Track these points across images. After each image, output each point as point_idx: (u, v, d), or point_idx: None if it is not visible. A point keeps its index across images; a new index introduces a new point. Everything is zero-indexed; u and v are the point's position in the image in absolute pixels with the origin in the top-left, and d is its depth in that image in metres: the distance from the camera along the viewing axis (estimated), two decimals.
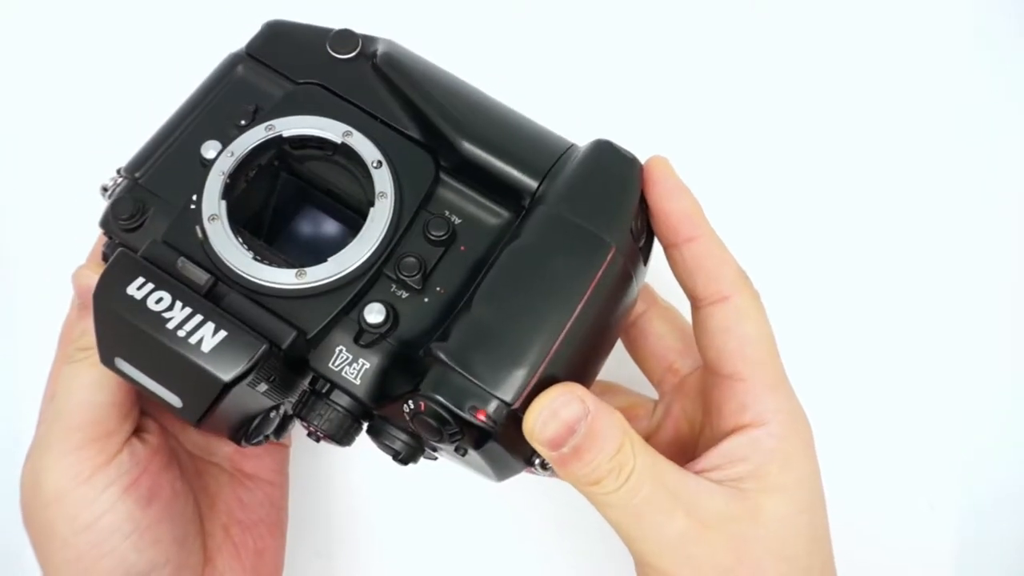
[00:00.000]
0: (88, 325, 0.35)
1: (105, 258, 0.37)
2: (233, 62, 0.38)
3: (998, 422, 0.50)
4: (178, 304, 0.32)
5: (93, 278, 0.34)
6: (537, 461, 0.34)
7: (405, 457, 0.35)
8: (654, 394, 0.41)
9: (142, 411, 0.38)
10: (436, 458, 0.38)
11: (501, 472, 0.35)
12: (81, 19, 0.56)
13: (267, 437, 0.37)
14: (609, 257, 0.33)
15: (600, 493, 0.31)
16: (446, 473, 0.43)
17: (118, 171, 0.37)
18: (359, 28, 0.39)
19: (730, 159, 0.53)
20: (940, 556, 0.49)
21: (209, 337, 0.31)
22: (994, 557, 0.49)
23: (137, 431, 0.37)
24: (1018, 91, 0.54)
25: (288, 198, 0.39)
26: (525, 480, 0.39)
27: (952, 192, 0.53)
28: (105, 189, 0.37)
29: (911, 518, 0.49)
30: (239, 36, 0.39)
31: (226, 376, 0.31)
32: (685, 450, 0.38)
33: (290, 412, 0.37)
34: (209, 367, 0.31)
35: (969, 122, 0.54)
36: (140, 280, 0.32)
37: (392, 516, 0.49)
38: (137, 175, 0.36)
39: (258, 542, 0.41)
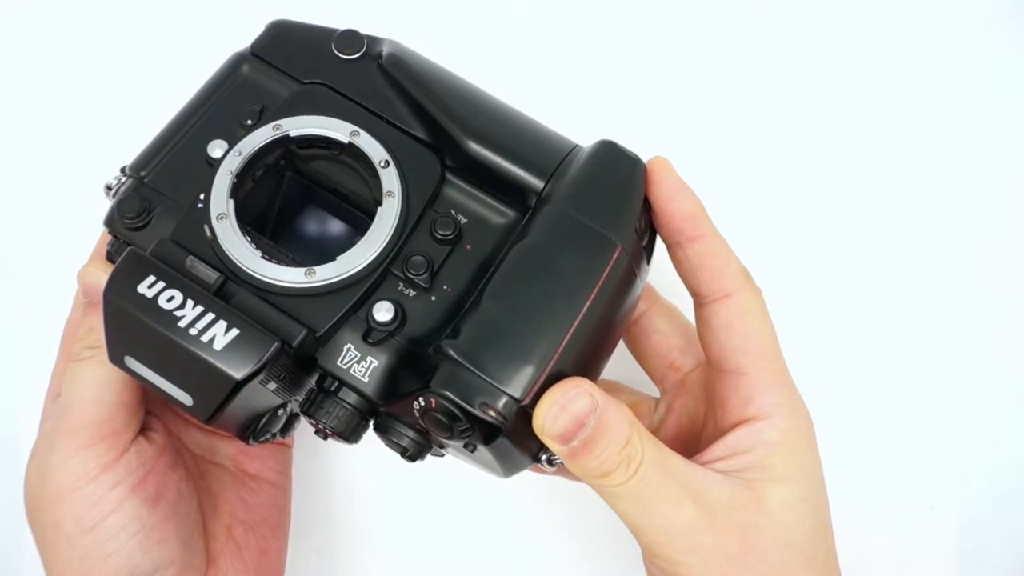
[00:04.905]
0: (94, 323, 0.35)
1: (110, 257, 0.37)
2: (238, 61, 0.38)
3: (999, 423, 0.50)
4: (189, 302, 0.32)
5: (100, 276, 0.33)
6: (544, 457, 0.35)
7: (413, 454, 0.36)
8: (654, 395, 0.42)
9: (147, 411, 0.38)
10: (443, 455, 0.38)
11: (508, 468, 0.36)
12: (83, 17, 0.55)
13: (274, 435, 0.37)
14: (615, 256, 0.33)
15: (610, 485, 0.32)
16: (448, 473, 0.44)
17: (122, 170, 0.37)
18: (362, 29, 0.39)
19: (732, 158, 0.53)
20: (941, 556, 0.49)
21: (221, 335, 0.31)
22: (994, 558, 0.49)
23: (143, 430, 0.37)
24: (1018, 91, 0.55)
25: (292, 197, 0.39)
26: (528, 479, 0.40)
27: (952, 192, 0.53)
28: (109, 188, 0.37)
29: (912, 519, 0.49)
30: (242, 35, 0.39)
31: (238, 374, 0.31)
32: (687, 446, 0.38)
33: (297, 410, 0.37)
34: (221, 365, 0.31)
35: (969, 121, 0.54)
36: (151, 279, 0.32)
37: (395, 517, 0.49)
38: (143, 174, 0.36)
39: (261, 543, 0.41)
